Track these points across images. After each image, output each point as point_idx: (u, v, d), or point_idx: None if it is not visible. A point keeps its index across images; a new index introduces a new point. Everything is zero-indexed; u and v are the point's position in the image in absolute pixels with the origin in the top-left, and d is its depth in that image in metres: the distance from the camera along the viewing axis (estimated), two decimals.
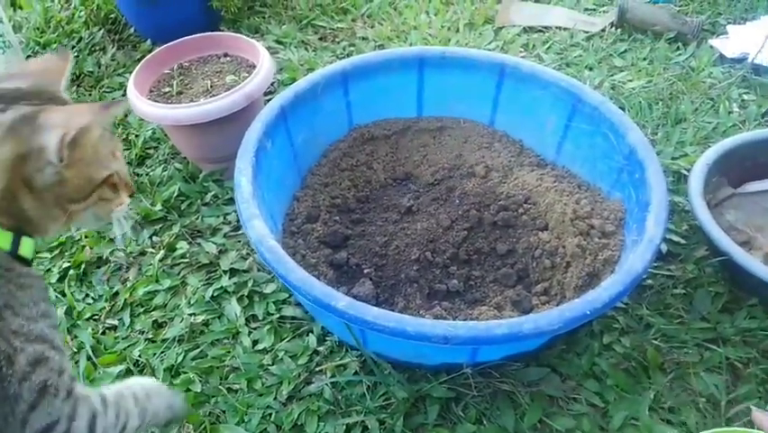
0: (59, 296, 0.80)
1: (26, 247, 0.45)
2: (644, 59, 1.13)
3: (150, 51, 1.00)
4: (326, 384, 0.68)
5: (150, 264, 0.82)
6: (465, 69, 0.86)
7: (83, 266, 0.83)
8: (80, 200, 0.46)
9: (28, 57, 1.19)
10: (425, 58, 0.86)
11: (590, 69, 1.11)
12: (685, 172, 0.88)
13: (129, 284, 0.81)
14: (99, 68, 1.18)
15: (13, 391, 0.42)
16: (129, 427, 0.50)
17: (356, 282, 0.71)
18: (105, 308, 0.78)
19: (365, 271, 0.72)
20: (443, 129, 0.90)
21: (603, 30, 1.21)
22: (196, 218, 0.88)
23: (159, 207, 0.88)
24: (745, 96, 1.03)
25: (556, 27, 1.23)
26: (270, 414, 0.66)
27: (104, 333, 0.76)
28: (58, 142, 0.42)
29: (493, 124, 0.89)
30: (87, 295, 0.80)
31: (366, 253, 0.74)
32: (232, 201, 0.85)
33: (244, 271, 0.81)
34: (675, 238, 0.81)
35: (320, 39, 1.25)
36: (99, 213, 0.49)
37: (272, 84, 1.11)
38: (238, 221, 0.81)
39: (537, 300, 0.69)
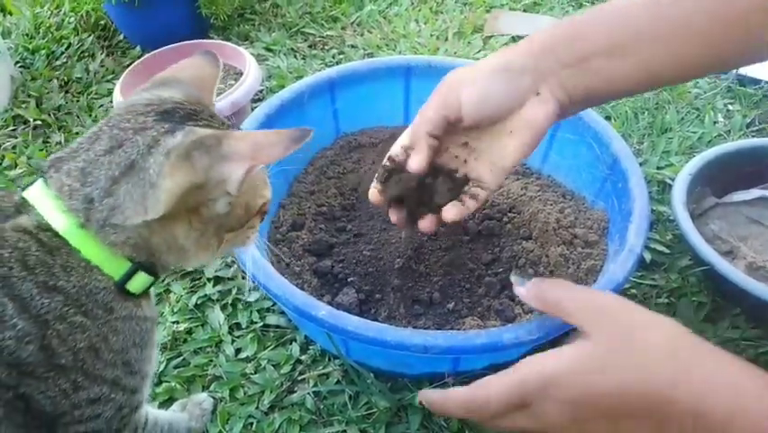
0: None
1: (137, 283, 0.42)
2: None
3: (139, 58, 1.00)
4: (309, 393, 0.68)
5: None
6: None
7: None
8: (236, 228, 0.44)
9: (16, 63, 1.19)
10: (411, 66, 0.86)
11: None
12: (670, 182, 0.89)
13: None
14: (88, 74, 1.18)
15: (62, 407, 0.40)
16: None
17: (340, 291, 0.71)
18: None
19: (349, 279, 0.72)
20: None
21: None
22: None
23: None
24: (730, 107, 1.04)
25: None
26: (252, 423, 0.66)
27: None
28: (243, 174, 0.38)
29: None
30: None
31: (350, 262, 0.74)
32: None
33: (229, 279, 0.80)
34: (659, 248, 0.81)
35: (309, 46, 1.25)
36: (240, 241, 0.47)
37: (261, 91, 1.11)
38: None
39: (520, 309, 0.69)
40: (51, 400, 0.39)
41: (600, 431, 0.43)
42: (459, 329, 0.65)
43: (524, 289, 0.50)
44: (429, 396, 0.49)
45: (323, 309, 0.55)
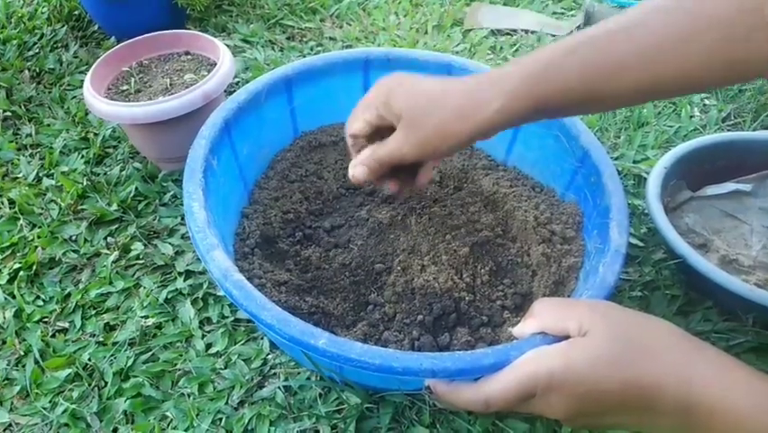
0: (8, 298, 0.77)
1: None
2: None
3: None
4: (279, 388, 0.67)
5: (104, 266, 0.80)
6: (411, 69, 0.80)
7: (34, 267, 0.80)
8: None
9: None
10: (369, 60, 0.83)
11: None
12: (645, 176, 0.89)
13: (81, 286, 0.79)
14: (61, 65, 1.16)
15: None
16: None
17: (331, 301, 0.67)
18: (55, 310, 0.76)
19: (326, 289, 0.68)
20: None
21: (570, 33, 1.22)
22: (153, 219, 0.86)
23: (114, 207, 0.86)
24: (707, 101, 1.04)
25: (524, 30, 1.24)
26: (221, 419, 0.65)
27: (53, 336, 0.74)
28: None
29: None
30: (38, 297, 0.78)
31: (331, 270, 0.69)
32: None
33: (200, 273, 0.79)
34: (633, 241, 0.81)
35: (288, 38, 1.24)
36: None
37: (237, 83, 1.10)
38: None
39: (509, 314, 0.66)
40: None
41: (601, 423, 0.47)
42: (453, 343, 0.62)
43: (517, 328, 0.54)
44: (438, 387, 0.50)
45: (321, 338, 0.51)
